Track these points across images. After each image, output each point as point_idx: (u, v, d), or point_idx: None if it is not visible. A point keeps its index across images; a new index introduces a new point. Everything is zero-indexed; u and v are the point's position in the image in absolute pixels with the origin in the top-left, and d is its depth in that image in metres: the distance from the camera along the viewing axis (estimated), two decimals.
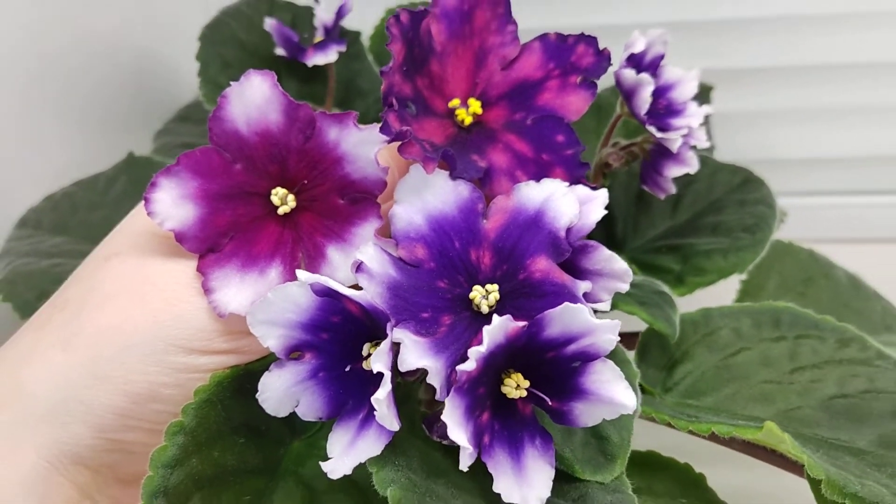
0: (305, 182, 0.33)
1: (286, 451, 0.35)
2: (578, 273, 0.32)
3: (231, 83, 0.32)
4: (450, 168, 0.33)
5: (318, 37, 0.63)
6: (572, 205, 0.32)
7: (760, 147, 0.80)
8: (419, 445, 0.33)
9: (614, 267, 0.32)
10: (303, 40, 0.64)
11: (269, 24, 0.62)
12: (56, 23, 0.62)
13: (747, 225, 0.49)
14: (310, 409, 0.32)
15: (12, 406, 0.32)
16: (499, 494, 0.29)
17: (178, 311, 0.33)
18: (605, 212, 0.33)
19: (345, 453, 0.30)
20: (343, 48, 0.61)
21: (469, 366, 0.27)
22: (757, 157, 0.77)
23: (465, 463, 0.28)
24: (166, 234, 0.33)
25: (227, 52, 0.61)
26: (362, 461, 0.29)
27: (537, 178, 0.33)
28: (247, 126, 0.32)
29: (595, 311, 0.33)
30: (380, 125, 0.32)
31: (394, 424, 0.29)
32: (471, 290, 0.31)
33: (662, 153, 0.44)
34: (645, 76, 0.41)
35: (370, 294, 0.30)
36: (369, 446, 0.30)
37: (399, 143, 0.32)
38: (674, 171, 0.44)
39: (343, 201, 0.33)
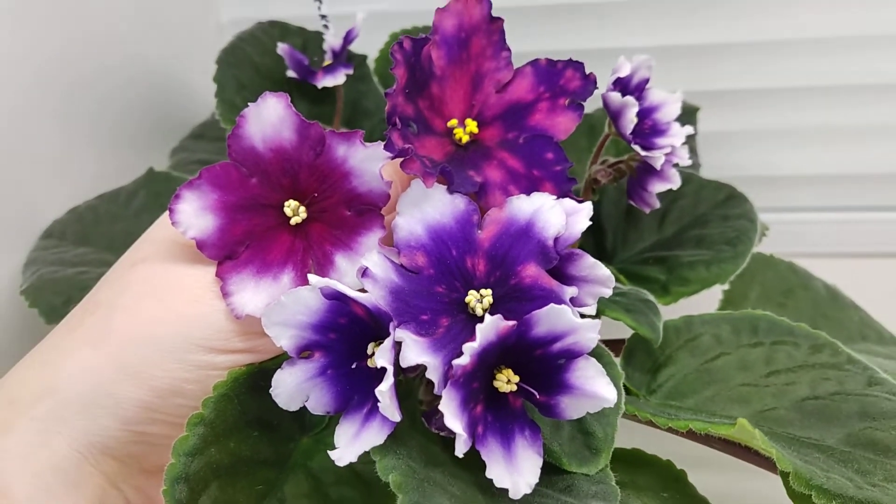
0: (316, 195, 0.34)
1: (296, 445, 0.37)
2: (565, 279, 0.33)
3: (248, 104, 0.33)
4: (448, 183, 0.34)
5: (328, 60, 0.64)
6: (560, 216, 0.33)
7: (744, 165, 0.81)
8: (419, 439, 0.35)
9: (598, 273, 0.33)
10: (313, 63, 0.65)
11: (282, 48, 0.63)
12: (81, 50, 0.64)
13: (729, 238, 0.51)
14: (319, 403, 0.33)
15: (47, 400, 0.34)
16: (491, 480, 0.30)
17: (199, 313, 0.34)
18: (590, 223, 0.33)
19: (350, 443, 0.31)
20: (350, 71, 0.62)
21: (464, 360, 0.28)
22: (740, 175, 0.77)
23: (460, 449, 0.29)
24: (188, 242, 0.34)
25: (242, 75, 0.62)
26: (366, 450, 0.31)
27: (528, 192, 0.34)
28: (262, 143, 0.33)
29: (582, 316, 0.35)
30: (384, 143, 0.33)
31: (395, 416, 0.30)
32: (466, 295, 0.32)
33: (647, 170, 0.45)
34: (630, 98, 0.42)
35: (374, 297, 0.31)
36: (373, 436, 0.31)
37: (401, 159, 0.33)
38: (658, 187, 0.45)
39: (350, 213, 0.34)
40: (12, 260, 0.58)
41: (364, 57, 0.69)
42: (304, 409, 0.33)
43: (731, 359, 0.44)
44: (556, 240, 0.33)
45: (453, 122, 0.38)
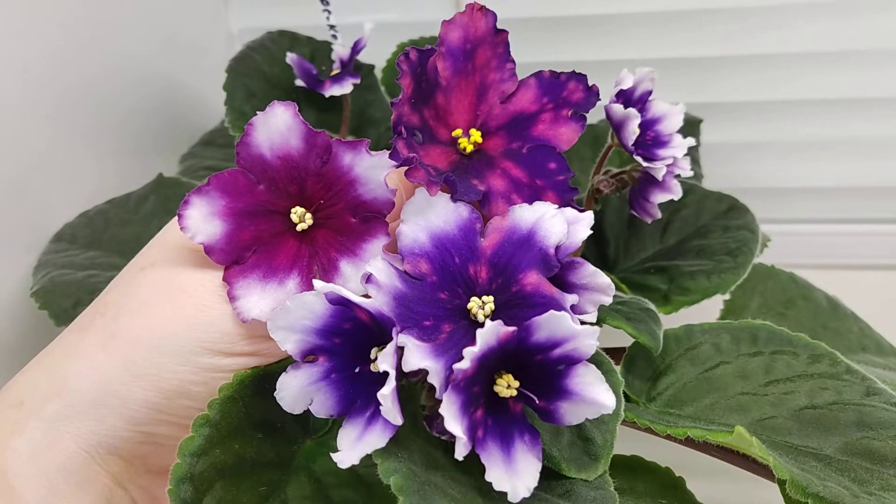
0: (322, 202, 0.35)
1: (299, 448, 0.37)
2: (566, 287, 0.34)
3: (256, 112, 0.34)
4: (451, 191, 0.34)
5: (335, 70, 0.65)
6: (561, 225, 0.33)
7: (746, 177, 0.81)
8: (420, 443, 0.35)
9: (598, 281, 0.34)
10: (321, 73, 0.66)
11: (291, 57, 0.64)
12: (95, 59, 0.65)
13: (730, 249, 0.51)
14: (322, 406, 0.33)
15: (56, 401, 0.34)
16: (490, 484, 0.30)
17: (206, 317, 0.34)
18: (591, 232, 0.34)
19: (353, 446, 0.31)
20: (358, 80, 0.63)
21: (464, 364, 0.29)
22: (743, 186, 0.78)
23: (460, 452, 0.29)
24: (196, 246, 0.34)
25: (251, 83, 0.62)
26: (368, 453, 0.31)
27: (531, 201, 0.34)
28: (270, 151, 0.34)
29: (583, 323, 0.35)
30: (389, 151, 0.34)
31: (397, 419, 0.30)
32: (469, 301, 0.33)
33: (649, 181, 0.46)
34: (632, 110, 0.43)
35: (378, 303, 0.31)
36: (375, 439, 0.31)
37: (406, 167, 0.34)
38: (659, 197, 0.46)
39: (355, 220, 0.35)
40: (23, 262, 0.58)
41: (371, 67, 0.70)
42: (307, 412, 0.34)
43: (731, 368, 0.44)
44: (557, 248, 0.33)
45: (458, 131, 0.38)
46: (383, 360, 0.30)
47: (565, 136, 0.38)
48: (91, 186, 0.65)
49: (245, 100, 0.61)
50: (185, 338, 0.34)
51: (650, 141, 0.46)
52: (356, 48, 0.64)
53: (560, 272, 0.34)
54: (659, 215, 0.48)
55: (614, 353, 0.46)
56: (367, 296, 0.32)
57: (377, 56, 0.70)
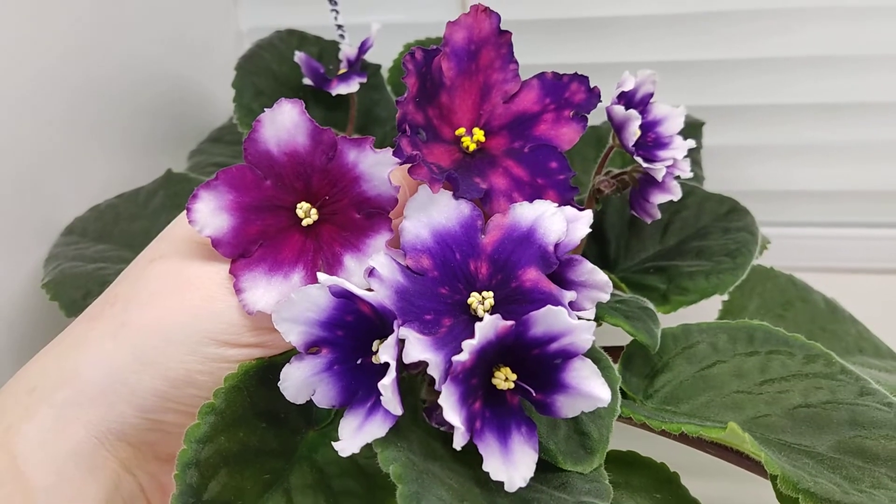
0: (327, 198, 0.35)
1: (302, 438, 0.37)
2: (565, 284, 0.34)
3: (264, 109, 0.34)
4: (454, 189, 0.35)
5: (343, 69, 0.65)
6: (560, 223, 0.34)
7: (747, 179, 0.81)
8: (419, 434, 0.35)
9: (596, 279, 0.34)
10: (328, 72, 0.67)
11: (299, 56, 0.65)
12: (106, 57, 0.66)
13: (730, 250, 0.51)
14: (325, 397, 0.34)
15: (66, 388, 0.35)
16: (487, 474, 0.31)
17: (213, 308, 0.35)
18: (590, 230, 0.34)
19: (354, 435, 0.32)
20: (364, 80, 0.63)
21: (463, 357, 0.29)
22: (744, 189, 0.79)
23: (458, 442, 0.30)
24: (204, 240, 0.35)
25: (259, 81, 0.63)
26: (369, 442, 0.31)
27: (532, 200, 0.35)
28: (277, 147, 0.34)
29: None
30: (393, 149, 0.34)
31: (397, 409, 0.30)
32: (469, 296, 0.33)
33: (649, 181, 0.46)
34: (633, 112, 0.43)
35: (381, 296, 0.32)
36: (376, 429, 0.32)
37: (410, 165, 0.34)
38: (659, 198, 0.46)
39: (359, 215, 0.35)
40: (35, 255, 0.59)
41: (378, 66, 0.70)
42: (310, 403, 0.34)
43: (727, 367, 0.44)
44: (556, 246, 0.34)
45: (461, 130, 0.39)
46: (384, 352, 0.31)
47: (567, 137, 0.39)
48: (101, 182, 0.66)
49: (253, 97, 0.62)
50: (192, 328, 0.35)
51: (651, 142, 0.47)
52: (363, 48, 0.64)
53: (559, 269, 0.34)
54: (659, 216, 0.48)
55: (613, 351, 0.47)
56: (369, 289, 0.33)
57: (384, 56, 0.70)
